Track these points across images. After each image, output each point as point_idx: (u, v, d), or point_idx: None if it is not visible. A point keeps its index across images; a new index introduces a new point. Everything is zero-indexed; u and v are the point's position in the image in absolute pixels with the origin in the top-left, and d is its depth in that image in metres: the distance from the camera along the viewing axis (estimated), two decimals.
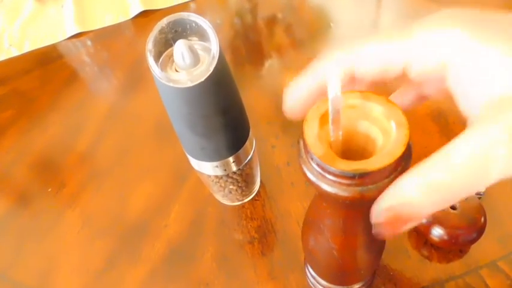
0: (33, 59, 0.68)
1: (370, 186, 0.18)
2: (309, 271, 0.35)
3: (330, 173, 0.19)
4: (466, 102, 0.19)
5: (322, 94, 0.21)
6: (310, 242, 0.28)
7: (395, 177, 0.18)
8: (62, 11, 0.75)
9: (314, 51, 0.61)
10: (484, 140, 0.17)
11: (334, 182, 0.19)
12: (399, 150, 0.18)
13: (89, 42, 0.70)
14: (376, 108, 0.20)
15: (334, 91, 0.18)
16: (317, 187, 0.20)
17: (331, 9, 0.67)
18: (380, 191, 0.18)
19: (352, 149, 0.21)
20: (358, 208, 0.22)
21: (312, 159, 0.19)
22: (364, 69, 0.22)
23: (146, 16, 0.72)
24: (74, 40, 0.70)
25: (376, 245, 0.27)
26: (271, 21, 0.68)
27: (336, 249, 0.25)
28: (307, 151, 0.20)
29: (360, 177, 0.18)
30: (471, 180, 0.17)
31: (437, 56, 0.19)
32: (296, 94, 0.25)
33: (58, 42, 0.70)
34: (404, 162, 0.19)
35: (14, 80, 0.64)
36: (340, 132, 0.20)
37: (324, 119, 0.20)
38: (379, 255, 0.29)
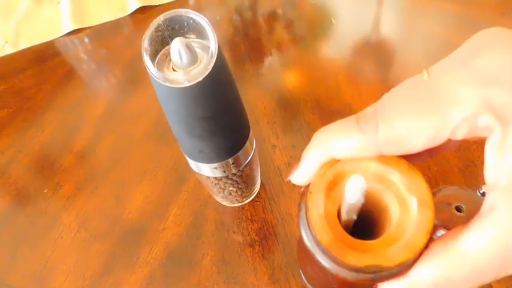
0: (29, 57, 0.67)
1: (383, 273, 0.16)
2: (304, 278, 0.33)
3: (337, 263, 0.16)
4: (491, 172, 0.17)
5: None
6: (307, 268, 0.25)
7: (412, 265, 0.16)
8: (59, 7, 0.74)
9: (315, 48, 0.60)
10: (503, 230, 0.15)
11: (342, 270, 0.17)
12: (421, 241, 0.15)
13: (86, 39, 0.69)
14: (394, 174, 0.17)
15: (355, 197, 0.16)
16: (321, 267, 0.17)
17: (332, 5, 0.66)
18: (394, 275, 0.16)
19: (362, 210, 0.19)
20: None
21: (317, 244, 0.17)
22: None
23: (144, 12, 0.71)
24: (71, 37, 0.69)
25: None
26: (271, 17, 0.67)
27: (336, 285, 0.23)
28: (311, 233, 0.17)
29: (371, 272, 0.16)
30: (486, 275, 0.15)
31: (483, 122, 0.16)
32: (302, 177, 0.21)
33: (55, 39, 0.69)
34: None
35: (9, 78, 0.63)
36: (355, 217, 0.18)
37: (331, 186, 0.18)
38: None
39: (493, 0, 0.60)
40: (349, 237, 0.17)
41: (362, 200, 0.16)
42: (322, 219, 0.17)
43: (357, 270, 0.16)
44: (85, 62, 0.66)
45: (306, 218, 0.17)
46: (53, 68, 0.64)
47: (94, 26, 0.70)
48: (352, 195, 0.16)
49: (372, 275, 0.16)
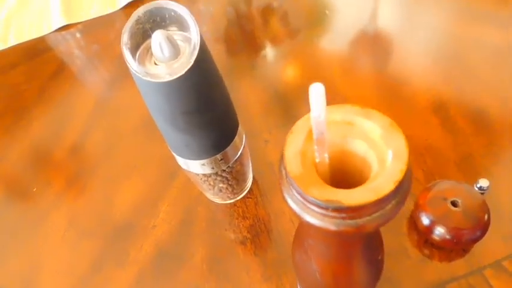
0: (19, 53, 0.66)
1: (347, 222, 0.16)
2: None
3: (302, 197, 0.16)
4: None
5: None
6: (296, 257, 0.26)
7: (382, 215, 0.16)
8: (49, 2, 0.72)
9: (310, 42, 0.58)
10: None
11: (306, 207, 0.16)
12: (387, 188, 0.16)
13: (77, 34, 0.68)
14: (376, 130, 0.18)
15: (317, 111, 0.16)
16: (290, 208, 0.17)
17: None
18: (360, 229, 0.16)
19: (348, 169, 0.19)
20: (339, 238, 0.20)
21: (286, 176, 0.17)
22: None
23: (135, 7, 0.69)
24: (62, 32, 0.68)
25: (364, 274, 0.24)
26: (266, 9, 0.66)
27: (318, 272, 0.23)
28: (283, 165, 0.17)
29: (335, 210, 0.16)
30: None
31: None
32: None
33: (46, 35, 0.68)
34: (395, 200, 0.16)
35: (0, 75, 0.62)
36: (326, 155, 0.17)
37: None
38: (371, 285, 0.26)
39: None
40: (319, 179, 0.17)
41: (324, 114, 0.16)
42: (297, 156, 0.17)
43: (319, 205, 0.16)
44: (76, 57, 0.65)
45: (282, 153, 0.18)
46: (43, 64, 0.63)
47: (86, 21, 0.69)
48: (314, 104, 0.16)
49: (333, 212, 0.16)
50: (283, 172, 0.17)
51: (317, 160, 0.18)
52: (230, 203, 0.41)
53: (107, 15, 0.69)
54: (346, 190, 0.16)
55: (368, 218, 0.16)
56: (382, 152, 0.17)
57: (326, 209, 0.16)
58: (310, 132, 0.18)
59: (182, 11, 0.26)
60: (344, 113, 0.18)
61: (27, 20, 0.70)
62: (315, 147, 0.17)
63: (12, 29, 0.69)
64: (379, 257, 0.24)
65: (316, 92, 0.15)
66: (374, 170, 0.18)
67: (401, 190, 0.16)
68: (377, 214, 0.16)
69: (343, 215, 0.16)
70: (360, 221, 0.16)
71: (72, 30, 0.68)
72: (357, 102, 0.47)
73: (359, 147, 0.19)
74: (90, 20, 0.69)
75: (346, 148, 0.19)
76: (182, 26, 0.27)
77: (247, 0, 0.69)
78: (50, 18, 0.69)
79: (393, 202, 0.16)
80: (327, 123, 0.17)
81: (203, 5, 0.70)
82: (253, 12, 0.66)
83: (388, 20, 0.60)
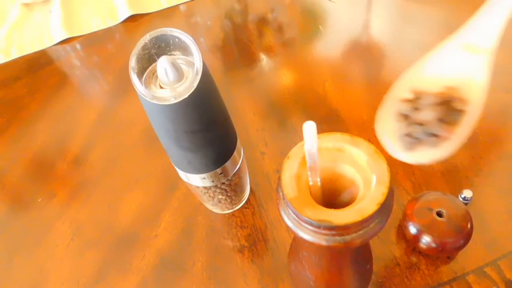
0: (22, 66, 0.67)
1: (336, 238, 0.18)
2: None
3: (297, 216, 0.18)
4: None
5: None
6: (292, 266, 0.28)
7: (366, 233, 0.18)
8: (50, 16, 0.74)
9: (304, 55, 0.61)
10: None
11: (301, 225, 0.19)
12: (371, 209, 0.18)
13: (78, 47, 0.70)
14: (362, 157, 0.20)
15: (310, 144, 0.18)
16: (286, 225, 0.19)
17: (321, 10, 0.67)
18: (347, 244, 0.18)
19: (339, 189, 0.21)
20: (329, 251, 0.22)
21: (283, 198, 0.19)
22: None
23: (135, 20, 0.71)
24: (63, 45, 0.70)
25: (354, 282, 0.27)
26: (261, 22, 0.68)
27: (312, 280, 0.25)
28: (281, 188, 0.20)
29: (326, 229, 0.18)
30: None
31: None
32: None
33: (47, 48, 0.69)
34: (378, 219, 0.19)
35: (2, 88, 0.64)
36: (319, 179, 0.20)
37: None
38: None
39: (480, 6, 0.61)
40: (312, 200, 0.19)
41: (316, 146, 0.18)
42: (292, 179, 0.19)
43: (312, 224, 0.18)
44: (77, 70, 0.67)
45: (280, 177, 0.20)
46: (45, 77, 0.64)
47: (86, 34, 0.71)
48: (307, 138, 0.18)
49: (324, 230, 0.18)
50: (281, 194, 0.19)
51: (310, 183, 0.20)
52: (229, 213, 0.43)
53: (108, 28, 0.71)
54: (335, 210, 0.18)
55: (354, 235, 0.18)
56: (367, 176, 0.20)
57: (318, 227, 0.18)
58: (303, 158, 0.20)
59: (185, 38, 0.28)
60: (335, 141, 0.20)
61: (29, 34, 0.72)
62: (309, 172, 0.19)
63: (15, 42, 0.71)
64: (368, 266, 0.26)
65: (309, 129, 0.17)
66: (361, 191, 0.20)
67: (383, 210, 0.18)
68: (362, 231, 0.18)
69: (333, 232, 0.18)
70: (347, 238, 0.18)
71: (72, 43, 0.70)
72: (349, 111, 0.50)
73: (348, 171, 0.21)
74: (91, 33, 0.71)
75: (336, 171, 0.21)
76: (185, 51, 0.29)
77: (243, 12, 0.71)
78: (52, 31, 0.71)
79: (376, 221, 0.18)
80: (319, 150, 0.19)
81: (200, 17, 0.72)
82: (249, 24, 0.69)
83: (379, 31, 0.62)
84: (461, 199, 0.39)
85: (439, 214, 0.36)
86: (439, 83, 0.24)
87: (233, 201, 0.41)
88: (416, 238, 0.36)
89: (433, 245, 0.35)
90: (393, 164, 0.44)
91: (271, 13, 0.69)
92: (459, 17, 0.60)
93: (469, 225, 0.35)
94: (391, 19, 0.65)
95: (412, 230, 0.36)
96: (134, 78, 0.28)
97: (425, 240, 0.35)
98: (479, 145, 0.44)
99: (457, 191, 0.40)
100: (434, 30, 0.58)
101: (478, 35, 0.23)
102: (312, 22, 0.66)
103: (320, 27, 0.63)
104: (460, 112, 0.22)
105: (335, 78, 0.55)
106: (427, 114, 0.22)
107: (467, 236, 0.35)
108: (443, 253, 0.36)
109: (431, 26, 0.60)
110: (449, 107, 0.22)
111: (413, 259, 0.37)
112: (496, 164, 0.43)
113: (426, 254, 0.37)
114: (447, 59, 0.24)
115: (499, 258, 0.36)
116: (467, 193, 0.39)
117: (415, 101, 0.23)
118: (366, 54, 0.58)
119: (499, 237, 0.37)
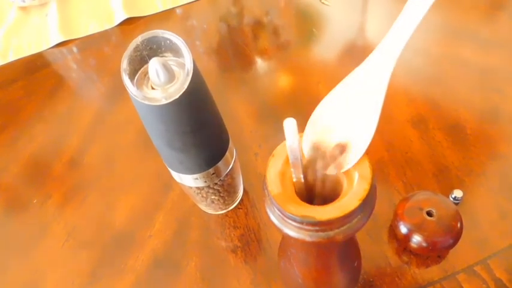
0: (19, 68, 0.68)
1: (320, 234, 0.18)
2: None
3: (281, 212, 0.19)
4: None
5: None
6: (281, 264, 0.28)
7: (349, 228, 0.18)
8: (46, 19, 0.75)
9: (298, 57, 0.61)
10: None
11: (285, 221, 0.19)
12: (352, 205, 0.18)
13: (75, 50, 0.70)
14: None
15: (291, 140, 0.18)
16: (272, 222, 0.20)
17: (316, 13, 0.68)
18: (330, 240, 0.18)
19: (325, 185, 0.22)
20: (315, 247, 0.22)
21: (268, 194, 0.20)
22: None
23: (132, 23, 0.72)
24: (60, 48, 0.70)
25: (342, 279, 0.27)
26: (257, 25, 0.69)
27: (300, 278, 0.25)
28: (265, 185, 0.20)
29: (309, 224, 0.18)
30: None
31: None
32: None
33: (44, 51, 0.70)
34: (361, 215, 0.19)
35: None
36: (302, 175, 0.20)
37: None
38: None
39: (475, 11, 0.61)
40: (296, 197, 0.19)
41: (297, 142, 0.19)
42: (277, 177, 0.20)
43: (295, 220, 0.18)
44: (74, 73, 0.67)
45: (265, 174, 0.21)
46: (42, 79, 0.65)
47: (83, 37, 0.71)
48: (288, 135, 0.19)
49: (307, 226, 0.18)
50: (266, 191, 0.20)
51: (294, 180, 0.20)
52: (222, 214, 0.43)
53: (104, 31, 0.72)
54: (318, 207, 0.18)
55: (337, 230, 0.18)
56: (350, 174, 0.20)
57: (301, 223, 0.18)
58: (288, 156, 0.20)
59: (177, 40, 0.29)
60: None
61: (26, 36, 0.73)
62: (292, 169, 0.20)
63: (12, 45, 0.71)
64: (355, 264, 0.26)
65: (290, 125, 0.18)
66: (344, 187, 0.20)
67: (365, 206, 0.19)
68: (345, 227, 0.18)
69: (316, 228, 0.18)
70: (330, 233, 0.18)
71: (69, 45, 0.71)
72: None
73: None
74: (88, 36, 0.71)
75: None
76: (176, 52, 0.30)
77: (239, 16, 0.72)
78: (49, 34, 0.72)
79: (359, 216, 0.19)
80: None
81: (196, 20, 0.73)
82: (245, 27, 0.69)
83: (373, 34, 0.63)
84: (451, 199, 0.39)
85: (429, 214, 0.36)
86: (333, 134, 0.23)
87: (226, 202, 0.42)
88: (407, 237, 0.36)
89: (424, 244, 0.35)
90: (385, 164, 0.45)
91: (266, 16, 0.70)
92: (455, 21, 0.61)
93: (458, 225, 0.36)
94: (386, 22, 0.65)
95: (403, 229, 0.36)
96: (126, 79, 0.28)
97: (416, 239, 0.36)
98: (470, 145, 0.44)
99: (448, 191, 0.40)
100: (430, 34, 0.59)
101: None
102: (306, 25, 0.67)
103: (314, 29, 0.64)
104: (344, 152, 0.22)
105: (328, 80, 0.56)
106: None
107: (457, 235, 0.36)
108: (434, 252, 0.36)
109: (426, 30, 0.60)
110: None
111: (405, 258, 0.38)
112: (486, 164, 0.43)
113: (417, 254, 0.37)
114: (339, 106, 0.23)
115: (489, 257, 0.36)
116: (457, 193, 0.39)
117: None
118: (359, 56, 0.58)
119: (489, 236, 0.38)
